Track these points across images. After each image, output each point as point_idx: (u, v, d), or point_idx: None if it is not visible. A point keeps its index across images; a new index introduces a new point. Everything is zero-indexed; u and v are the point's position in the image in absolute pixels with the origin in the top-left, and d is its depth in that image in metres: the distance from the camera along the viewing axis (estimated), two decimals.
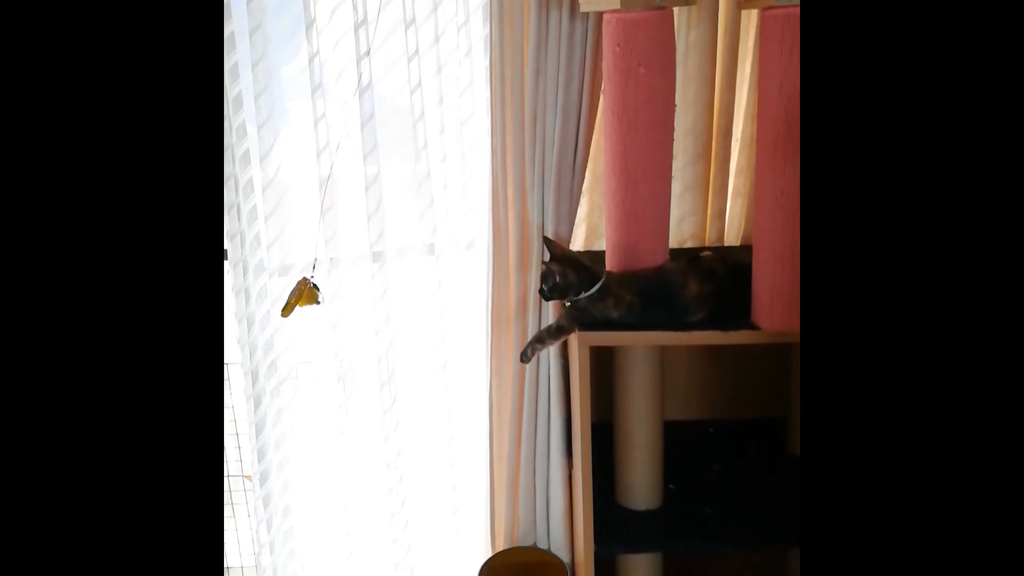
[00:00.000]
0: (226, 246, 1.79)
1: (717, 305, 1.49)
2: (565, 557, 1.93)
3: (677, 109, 1.50)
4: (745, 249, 1.57)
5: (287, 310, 1.64)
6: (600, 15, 1.51)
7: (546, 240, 1.57)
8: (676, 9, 1.59)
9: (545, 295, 1.51)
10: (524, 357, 1.61)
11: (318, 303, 1.64)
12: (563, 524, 1.92)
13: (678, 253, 1.62)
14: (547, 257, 1.55)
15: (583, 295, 1.46)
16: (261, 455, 1.92)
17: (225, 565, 2.29)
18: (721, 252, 1.65)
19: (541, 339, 1.60)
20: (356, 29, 1.72)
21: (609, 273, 1.50)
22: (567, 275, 1.46)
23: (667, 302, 1.47)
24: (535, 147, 1.67)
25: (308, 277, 1.65)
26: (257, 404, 1.89)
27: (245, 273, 1.80)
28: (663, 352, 1.67)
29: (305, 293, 1.63)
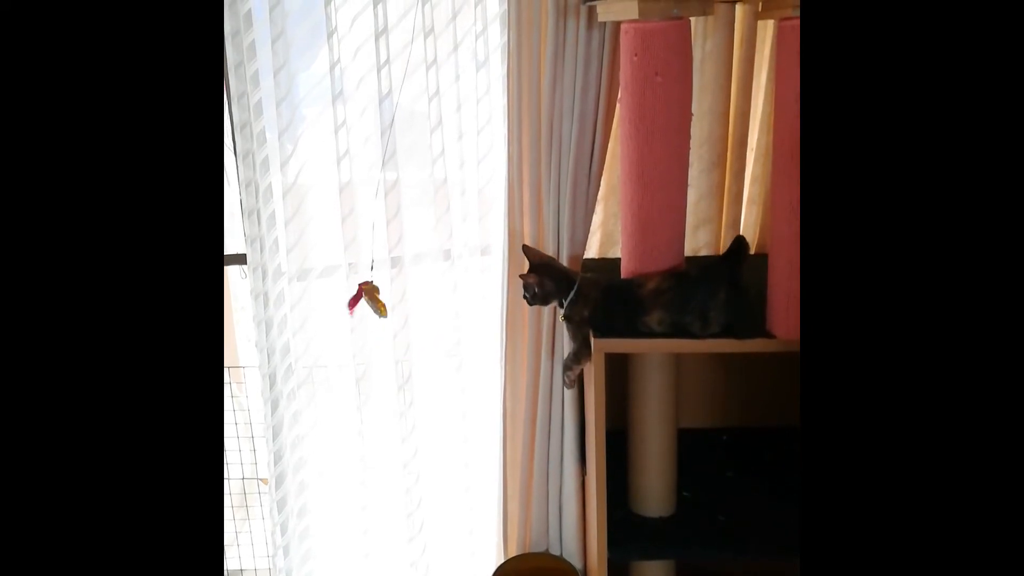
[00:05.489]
0: (245, 251, 1.81)
1: (677, 302, 1.45)
2: (578, 563, 1.94)
3: (693, 118, 1.51)
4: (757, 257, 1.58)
5: (384, 310, 1.82)
6: (617, 24, 1.53)
7: (524, 248, 1.62)
8: (693, 19, 1.60)
9: (530, 302, 1.58)
10: (568, 383, 1.67)
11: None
12: (576, 530, 1.92)
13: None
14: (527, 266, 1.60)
15: (565, 301, 1.53)
16: (278, 458, 1.94)
17: (231, 568, 2.30)
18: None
19: (568, 366, 1.63)
20: (376, 38, 1.74)
21: (584, 276, 1.56)
22: (544, 284, 1.54)
23: (624, 297, 1.50)
24: (551, 154, 1.69)
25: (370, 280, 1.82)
26: (274, 407, 1.91)
27: (264, 277, 1.82)
28: (677, 360, 1.67)
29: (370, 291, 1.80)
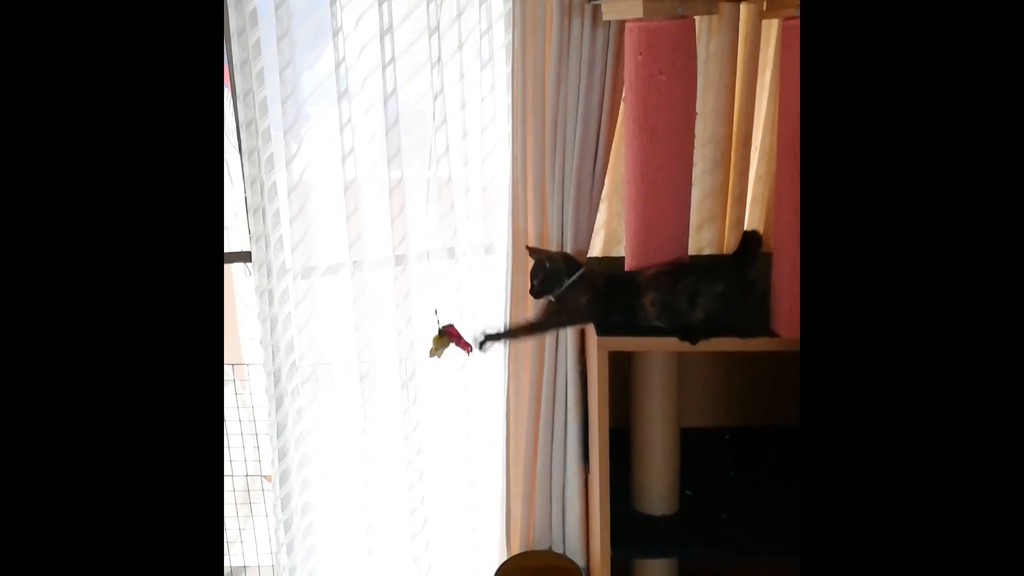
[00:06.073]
0: (250, 248, 1.82)
1: (670, 285, 1.47)
2: (580, 561, 1.94)
3: (697, 117, 1.51)
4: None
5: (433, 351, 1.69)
6: (622, 23, 1.53)
7: (528, 249, 1.63)
8: (697, 18, 1.60)
9: (536, 290, 1.57)
10: (481, 346, 1.59)
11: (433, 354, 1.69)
12: (579, 528, 1.92)
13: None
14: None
15: (567, 283, 1.54)
16: (282, 455, 1.94)
17: (235, 565, 2.31)
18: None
19: (502, 336, 1.60)
20: (381, 36, 1.75)
21: (590, 268, 1.59)
22: (555, 260, 1.56)
23: (624, 283, 1.53)
24: (555, 153, 1.69)
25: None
26: (278, 404, 1.91)
27: (269, 275, 1.83)
28: (680, 358, 1.67)
29: (440, 341, 1.68)
